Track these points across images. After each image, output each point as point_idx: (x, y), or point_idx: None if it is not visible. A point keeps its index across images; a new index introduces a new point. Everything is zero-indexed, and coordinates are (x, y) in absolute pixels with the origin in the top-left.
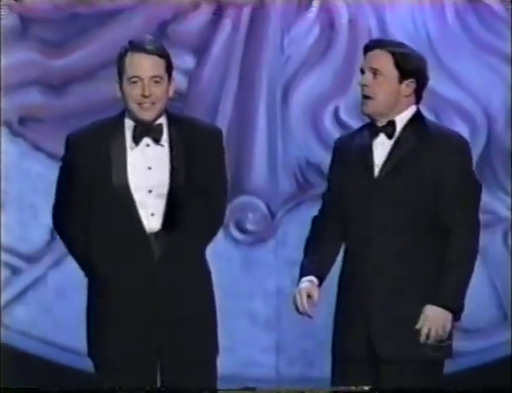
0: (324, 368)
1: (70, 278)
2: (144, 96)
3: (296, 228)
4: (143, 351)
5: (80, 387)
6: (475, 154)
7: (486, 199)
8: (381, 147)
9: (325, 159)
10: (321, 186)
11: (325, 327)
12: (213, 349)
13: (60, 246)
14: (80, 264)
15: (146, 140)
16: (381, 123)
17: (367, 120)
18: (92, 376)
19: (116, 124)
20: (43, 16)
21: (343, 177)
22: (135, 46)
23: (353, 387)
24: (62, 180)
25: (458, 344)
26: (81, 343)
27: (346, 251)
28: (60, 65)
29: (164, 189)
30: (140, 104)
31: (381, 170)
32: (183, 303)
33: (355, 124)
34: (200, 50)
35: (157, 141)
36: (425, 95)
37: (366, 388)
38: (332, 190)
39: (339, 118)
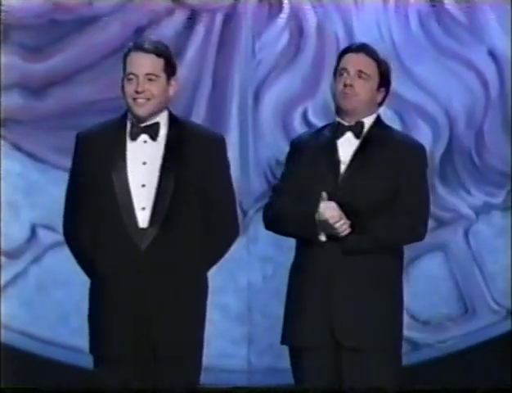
0: None
1: (50, 274)
2: (137, 92)
3: None
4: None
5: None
6: (437, 154)
7: (448, 197)
8: (347, 145)
9: None
10: None
11: None
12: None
13: (40, 243)
14: (85, 269)
15: (144, 136)
16: (349, 122)
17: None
18: (67, 368)
19: (119, 123)
20: (24, 23)
21: (308, 171)
22: (136, 45)
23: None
24: (72, 182)
25: (418, 335)
26: (60, 336)
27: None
28: (39, 69)
29: (155, 184)
30: (134, 99)
31: (348, 167)
32: (166, 295)
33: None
34: (175, 54)
35: (153, 138)
36: (390, 98)
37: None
38: (292, 181)
39: (307, 119)
